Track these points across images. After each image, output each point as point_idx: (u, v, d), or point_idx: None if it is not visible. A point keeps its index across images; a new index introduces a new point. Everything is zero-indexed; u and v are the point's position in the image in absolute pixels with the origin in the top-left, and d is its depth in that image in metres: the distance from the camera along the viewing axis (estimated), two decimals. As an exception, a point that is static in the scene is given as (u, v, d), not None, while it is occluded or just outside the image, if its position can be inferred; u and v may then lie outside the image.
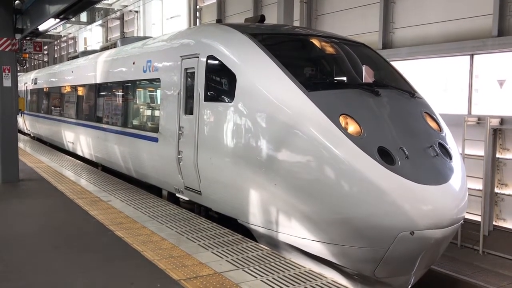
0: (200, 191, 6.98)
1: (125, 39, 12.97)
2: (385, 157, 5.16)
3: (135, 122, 9.75)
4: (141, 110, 9.83)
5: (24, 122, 21.12)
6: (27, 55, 22.37)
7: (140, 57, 9.34)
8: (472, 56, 11.04)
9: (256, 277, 4.61)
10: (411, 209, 4.93)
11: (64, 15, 10.28)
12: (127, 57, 10.16)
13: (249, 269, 4.82)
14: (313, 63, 6.68)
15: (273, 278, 4.60)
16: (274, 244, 5.91)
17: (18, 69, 20.62)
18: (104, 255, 5.34)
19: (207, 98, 6.85)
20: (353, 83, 6.30)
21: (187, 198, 7.57)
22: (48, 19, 10.43)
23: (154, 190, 8.84)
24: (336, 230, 5.25)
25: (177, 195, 7.89)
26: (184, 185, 7.40)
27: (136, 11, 27.31)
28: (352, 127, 5.33)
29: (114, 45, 12.52)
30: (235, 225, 6.41)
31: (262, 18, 7.99)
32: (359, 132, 5.29)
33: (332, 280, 4.57)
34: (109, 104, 11.13)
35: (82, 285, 4.52)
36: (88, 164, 11.97)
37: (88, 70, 12.72)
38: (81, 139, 12.88)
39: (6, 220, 6.83)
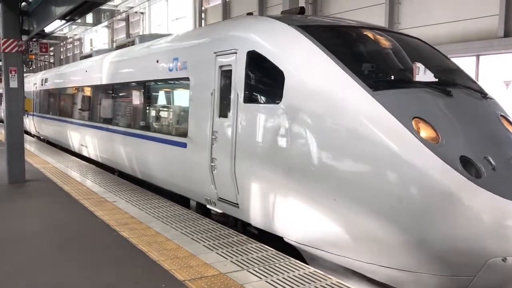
0: (237, 204, 6.22)
1: (144, 36, 12.10)
2: (468, 168, 4.43)
3: (159, 126, 9.02)
4: (166, 112, 9.14)
5: (33, 123, 20.42)
6: (33, 56, 22.47)
7: (165, 54, 8.54)
8: (478, 57, 11.01)
9: (261, 278, 4.61)
10: (504, 231, 4.29)
11: (70, 17, 10.33)
12: (149, 55, 9.38)
13: (253, 270, 4.82)
14: (372, 58, 5.76)
15: (277, 279, 4.59)
16: (330, 268, 5.20)
17: (25, 70, 20.67)
18: (110, 255, 5.36)
19: (247, 99, 6.06)
20: (419, 81, 5.54)
21: (220, 211, 6.90)
22: (54, 20, 10.48)
23: (176, 198, 8.15)
24: (410, 255, 4.51)
25: (208, 206, 7.25)
26: (217, 196, 6.66)
27: (142, 13, 27.45)
28: (427, 133, 4.59)
29: (132, 43, 11.68)
30: (279, 244, 5.66)
31: (302, 11, 7.05)
32: (436, 139, 4.55)
33: (337, 281, 4.55)
34: (128, 106, 10.47)
35: (87, 285, 4.53)
36: (102, 169, 11.46)
37: (104, 69, 11.93)
38: (94, 143, 12.18)
39: (11, 220, 6.87)
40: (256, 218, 6.00)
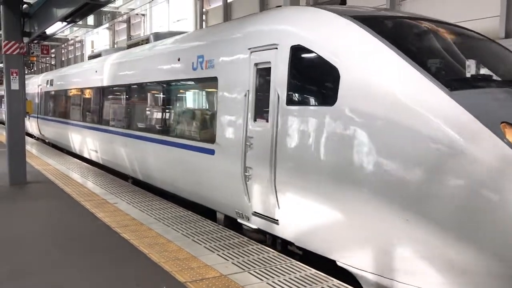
0: (277, 219, 5.52)
1: (159, 34, 11.10)
2: None
3: (181, 131, 8.16)
4: (190, 116, 8.18)
5: (36, 126, 19.73)
6: (35, 58, 22.50)
7: (187, 51, 7.76)
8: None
9: (262, 280, 4.60)
10: None
11: (71, 18, 10.34)
12: (169, 53, 8.61)
13: (254, 271, 4.81)
14: (439, 53, 4.99)
15: (279, 280, 4.58)
16: None
17: (26, 72, 20.67)
18: (110, 257, 5.35)
19: (291, 101, 5.33)
20: (495, 80, 4.77)
21: (255, 226, 6.12)
22: (56, 22, 10.48)
23: (201, 210, 7.50)
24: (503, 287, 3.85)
25: (239, 220, 6.45)
26: (251, 210, 5.96)
27: (143, 14, 27.49)
28: None
29: (146, 41, 10.89)
30: (329, 266, 5.01)
31: (344, 1, 6.46)
32: None
33: (339, 283, 4.54)
34: (145, 109, 9.73)
35: (88, 286, 4.53)
36: (114, 175, 10.81)
37: (116, 69, 11.22)
38: (104, 148, 11.57)
39: (13, 221, 6.87)
40: (300, 236, 5.26)
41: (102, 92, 12.05)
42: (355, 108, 4.59)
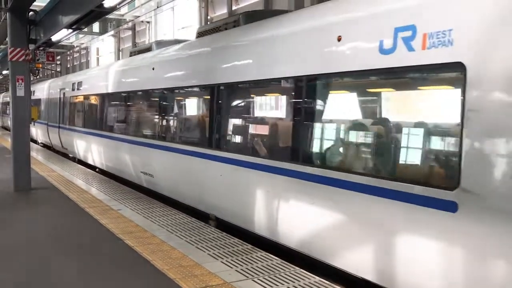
0: None
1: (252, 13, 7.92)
2: None
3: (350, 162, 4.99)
4: (372, 133, 4.81)
5: (59, 137, 17.05)
6: (40, 65, 22.62)
7: (379, 20, 4.54)
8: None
9: (266, 287, 4.57)
10: None
11: (77, 26, 10.41)
12: (322, 29, 5.31)
13: (258, 279, 4.79)
14: None
15: (283, 288, 4.56)
16: None
17: (32, 79, 20.78)
18: (114, 264, 5.34)
19: None
20: None
21: None
22: (61, 29, 10.56)
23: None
24: None
25: None
26: None
27: (148, 22, 27.62)
28: None
29: (238, 21, 7.56)
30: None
31: None
32: None
33: (343, 291, 4.47)
34: (268, 122, 6.58)
35: (91, 294, 4.52)
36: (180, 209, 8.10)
37: (201, 65, 7.84)
38: (164, 169, 8.86)
39: (17, 228, 6.87)
40: None
41: (164, 96, 9.28)
42: None
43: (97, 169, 12.71)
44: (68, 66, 44.76)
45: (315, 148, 5.49)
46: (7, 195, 9.29)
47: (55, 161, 14.71)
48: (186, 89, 8.61)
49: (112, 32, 31.15)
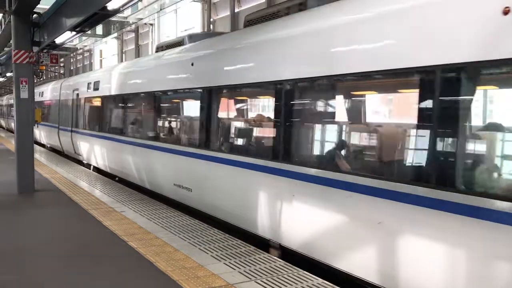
0: None
1: None
2: None
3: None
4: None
5: (70, 141, 15.85)
6: (44, 67, 22.68)
7: None
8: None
9: (269, 289, 4.58)
10: None
11: (80, 28, 10.46)
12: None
13: (261, 280, 4.79)
14: None
15: (286, 290, 4.56)
16: None
17: (35, 81, 20.83)
18: (117, 266, 5.35)
19: None
20: None
21: None
22: (65, 32, 10.61)
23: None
24: None
25: None
26: None
27: (151, 24, 27.70)
28: None
29: (296, 8, 6.43)
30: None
31: None
32: None
33: (346, 293, 4.44)
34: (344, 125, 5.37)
35: (95, 295, 4.54)
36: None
37: (249, 58, 6.67)
38: (209, 182, 7.42)
39: (20, 230, 6.89)
40: None
41: (209, 96, 7.54)
42: None
43: (116, 178, 11.72)
44: (72, 68, 44.91)
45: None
46: (11, 197, 9.32)
47: (58, 163, 14.75)
48: (243, 88, 6.95)
49: (115, 35, 31.25)
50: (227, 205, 7.00)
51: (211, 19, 21.78)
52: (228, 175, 6.89)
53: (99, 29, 28.35)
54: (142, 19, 26.89)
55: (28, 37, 10.00)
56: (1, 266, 5.32)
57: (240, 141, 7.35)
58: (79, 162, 15.14)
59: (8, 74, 26.17)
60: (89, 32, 16.78)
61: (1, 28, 14.93)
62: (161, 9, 24.84)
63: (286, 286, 4.65)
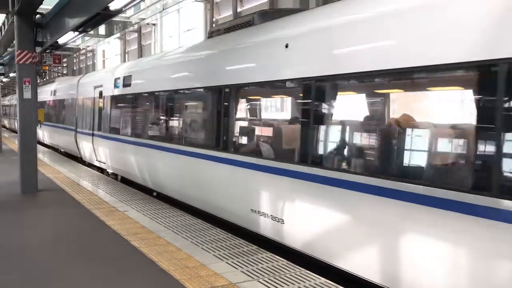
0: None
1: None
2: None
3: None
4: None
5: (90, 146, 13.71)
6: (47, 68, 22.71)
7: None
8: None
9: (271, 288, 4.58)
10: None
11: (83, 28, 10.50)
12: None
13: (264, 280, 4.79)
14: None
15: (288, 289, 4.56)
16: None
17: (38, 81, 20.84)
18: (120, 265, 5.36)
19: None
20: None
21: None
22: (68, 32, 10.65)
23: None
24: None
25: None
26: None
27: (154, 24, 27.72)
28: None
29: None
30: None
31: None
32: None
33: (349, 292, 4.43)
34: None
35: (98, 295, 4.55)
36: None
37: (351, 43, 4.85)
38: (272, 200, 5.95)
39: (23, 229, 6.91)
40: None
41: (311, 89, 5.39)
42: None
43: (154, 193, 9.68)
44: (75, 68, 44.99)
45: None
46: (14, 197, 9.35)
47: (61, 163, 14.78)
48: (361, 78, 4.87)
49: (118, 35, 31.28)
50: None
51: (213, 19, 21.78)
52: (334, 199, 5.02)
53: (101, 29, 28.36)
54: (144, 19, 26.90)
55: (31, 38, 10.03)
56: (5, 265, 5.34)
57: (327, 154, 5.41)
58: (81, 162, 15.17)
59: (11, 75, 26.26)
60: (91, 32, 16.79)
61: (4, 28, 14.99)
62: (163, 9, 24.86)
63: (288, 285, 4.65)
